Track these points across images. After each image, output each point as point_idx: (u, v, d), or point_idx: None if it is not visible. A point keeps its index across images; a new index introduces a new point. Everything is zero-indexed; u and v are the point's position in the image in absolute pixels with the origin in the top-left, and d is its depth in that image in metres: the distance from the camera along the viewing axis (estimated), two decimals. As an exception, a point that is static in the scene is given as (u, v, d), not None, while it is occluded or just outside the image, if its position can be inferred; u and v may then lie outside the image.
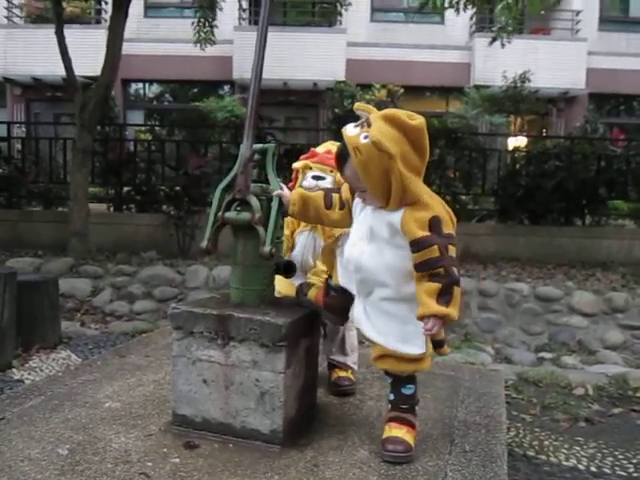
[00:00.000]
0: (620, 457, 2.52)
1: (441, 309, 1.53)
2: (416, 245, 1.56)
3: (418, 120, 1.59)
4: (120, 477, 1.53)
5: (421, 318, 1.56)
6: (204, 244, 1.80)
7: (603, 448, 2.61)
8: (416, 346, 1.66)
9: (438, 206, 1.61)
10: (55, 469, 1.57)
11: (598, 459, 2.51)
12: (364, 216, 1.70)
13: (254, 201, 1.74)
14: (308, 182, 2.03)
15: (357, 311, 1.73)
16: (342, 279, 1.76)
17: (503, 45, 7.55)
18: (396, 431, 1.70)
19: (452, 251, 1.57)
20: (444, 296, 1.54)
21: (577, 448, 2.61)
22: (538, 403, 3.17)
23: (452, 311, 1.55)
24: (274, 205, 1.75)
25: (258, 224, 1.72)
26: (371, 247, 1.65)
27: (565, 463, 2.46)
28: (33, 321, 3.64)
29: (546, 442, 2.66)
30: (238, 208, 1.77)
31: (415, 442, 1.71)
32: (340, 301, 1.79)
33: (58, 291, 4.02)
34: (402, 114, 1.57)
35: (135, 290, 5.52)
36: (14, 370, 3.25)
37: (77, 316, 5.04)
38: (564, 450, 2.58)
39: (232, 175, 1.79)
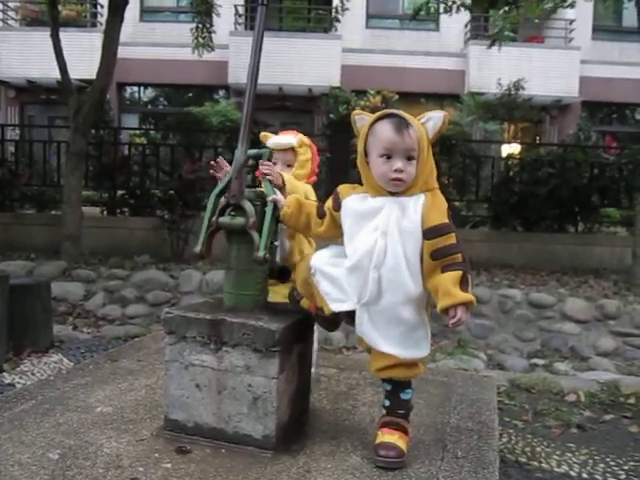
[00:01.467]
0: (612, 464, 2.53)
1: (467, 296, 1.54)
2: (436, 231, 1.58)
3: None
4: (111, 482, 1.52)
5: (446, 309, 1.55)
6: (198, 248, 1.79)
7: (595, 455, 2.62)
8: (424, 349, 1.68)
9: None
10: (46, 474, 1.55)
11: (590, 466, 2.52)
12: (373, 207, 1.65)
13: (248, 206, 1.74)
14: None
15: (360, 322, 1.67)
16: (333, 302, 1.68)
17: (500, 47, 7.59)
18: (389, 437, 1.70)
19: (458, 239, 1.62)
20: (466, 283, 1.56)
21: (569, 454, 2.62)
22: (530, 409, 3.18)
23: (473, 298, 1.56)
24: (268, 210, 1.75)
25: (252, 229, 1.72)
26: (393, 240, 1.61)
27: (557, 469, 2.47)
28: (25, 325, 3.62)
29: (538, 448, 2.67)
30: (232, 213, 1.77)
31: (408, 448, 1.71)
32: (333, 315, 1.75)
33: (50, 295, 4.01)
34: None
35: (128, 294, 5.50)
36: (5, 374, 3.23)
37: (69, 320, 5.01)
38: (556, 456, 2.59)
39: (226, 180, 1.79)
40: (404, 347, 1.65)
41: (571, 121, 13.45)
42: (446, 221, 1.60)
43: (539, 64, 13.05)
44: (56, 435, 1.79)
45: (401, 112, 1.67)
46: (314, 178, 2.27)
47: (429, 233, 1.58)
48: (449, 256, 1.56)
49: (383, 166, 1.63)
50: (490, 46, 7.92)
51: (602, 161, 7.53)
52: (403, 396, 1.73)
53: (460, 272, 1.55)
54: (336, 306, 1.68)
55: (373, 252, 1.61)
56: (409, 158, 1.62)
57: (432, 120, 1.66)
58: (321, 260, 1.70)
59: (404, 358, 1.65)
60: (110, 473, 1.57)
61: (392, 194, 1.65)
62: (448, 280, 1.55)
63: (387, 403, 1.75)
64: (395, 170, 1.61)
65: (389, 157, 1.62)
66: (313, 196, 2.12)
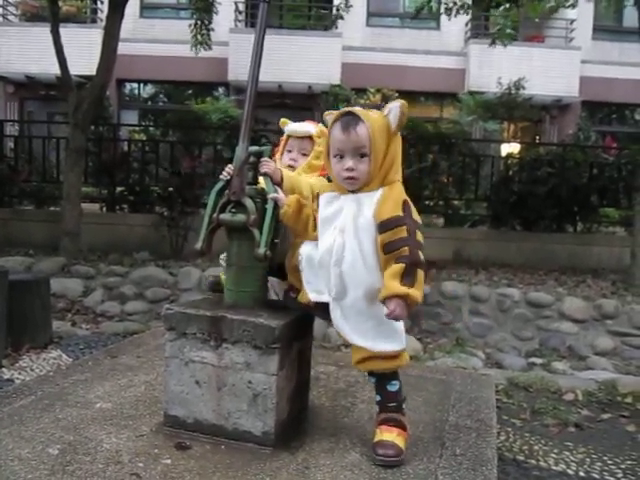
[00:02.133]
0: (609, 462, 2.55)
1: (402, 289, 1.53)
2: (387, 224, 1.60)
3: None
4: (111, 477, 1.53)
5: (383, 301, 1.56)
6: (199, 245, 1.80)
7: (592, 453, 2.64)
8: (397, 342, 1.67)
9: (407, 199, 1.67)
10: (45, 469, 1.56)
11: (587, 464, 2.53)
12: (337, 207, 1.71)
13: (249, 203, 1.75)
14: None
15: (334, 316, 1.71)
16: (312, 291, 1.73)
17: (505, 45, 7.59)
18: (387, 435, 1.70)
19: (419, 237, 1.60)
20: (407, 277, 1.55)
21: (566, 453, 2.63)
22: (528, 408, 3.19)
23: (415, 292, 1.54)
24: (269, 207, 1.75)
25: (253, 226, 1.72)
26: (350, 236, 1.65)
27: (554, 468, 2.48)
28: (24, 321, 3.62)
29: (536, 447, 2.67)
30: (233, 210, 1.77)
31: (406, 444, 1.72)
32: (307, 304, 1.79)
33: (50, 291, 4.01)
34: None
35: (127, 291, 5.50)
36: (4, 370, 3.24)
37: (68, 316, 5.01)
38: (553, 455, 2.60)
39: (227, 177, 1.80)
40: (375, 340, 1.66)
41: (571, 121, 13.46)
42: (398, 214, 1.61)
43: (539, 63, 13.05)
44: (56, 430, 1.79)
45: (356, 109, 1.67)
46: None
47: (381, 227, 1.61)
48: (397, 250, 1.57)
49: (337, 165, 1.70)
50: (491, 44, 7.92)
51: (601, 161, 7.54)
52: (390, 388, 1.73)
53: (402, 265, 1.55)
54: (314, 296, 1.73)
55: (332, 249, 1.66)
56: (361, 155, 1.66)
57: (392, 111, 1.66)
58: (309, 249, 1.74)
59: (377, 351, 1.66)
60: (110, 468, 1.58)
61: (352, 192, 1.70)
62: (388, 272, 1.57)
63: (378, 398, 1.76)
64: (346, 169, 1.66)
65: (342, 157, 1.68)
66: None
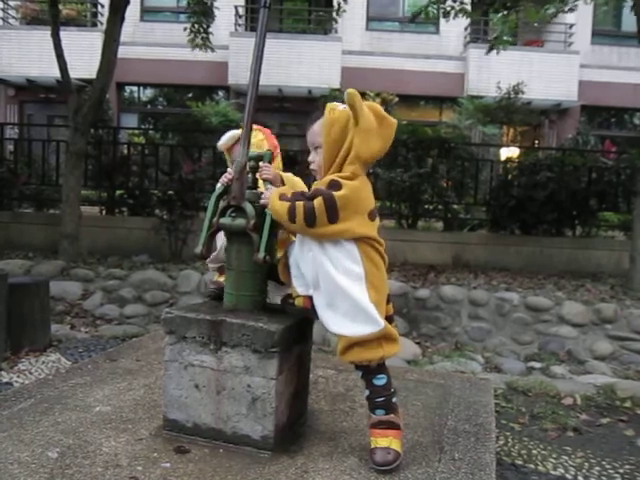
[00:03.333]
0: (607, 467, 2.54)
1: (274, 197, 1.69)
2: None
3: (394, 122, 1.73)
4: (110, 481, 1.53)
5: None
6: (199, 249, 1.80)
7: (591, 458, 2.63)
8: (371, 324, 1.65)
9: (352, 186, 1.66)
10: (45, 472, 1.56)
11: (585, 469, 2.52)
12: None
13: (249, 208, 1.75)
14: None
15: (317, 308, 1.74)
16: (299, 286, 1.78)
17: (499, 52, 7.62)
18: (381, 440, 1.69)
19: (318, 201, 1.62)
20: (284, 196, 1.68)
21: (565, 457, 2.63)
22: (527, 412, 3.19)
23: (277, 205, 1.66)
24: (268, 212, 1.76)
25: (253, 231, 1.73)
26: None
27: (553, 472, 2.48)
28: (23, 323, 3.63)
29: (534, 451, 2.67)
30: (233, 214, 1.78)
31: (402, 445, 1.70)
32: (301, 304, 1.81)
33: (49, 294, 4.01)
34: (383, 112, 1.72)
35: (126, 294, 5.50)
36: (3, 373, 3.23)
37: (67, 319, 5.01)
38: (552, 459, 2.60)
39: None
40: (351, 325, 1.66)
41: (570, 125, 13.49)
42: (318, 187, 1.68)
43: (538, 68, 13.09)
44: (55, 434, 1.80)
45: (327, 106, 1.75)
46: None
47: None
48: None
49: None
50: (488, 52, 7.95)
51: (600, 165, 7.55)
52: (376, 382, 1.72)
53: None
54: (301, 290, 1.77)
55: (303, 241, 1.74)
56: (315, 148, 1.77)
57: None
58: (295, 246, 1.80)
59: (353, 336, 1.66)
60: (109, 472, 1.58)
61: None
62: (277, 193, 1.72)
63: (367, 393, 1.75)
64: (308, 161, 1.80)
65: (310, 151, 1.80)
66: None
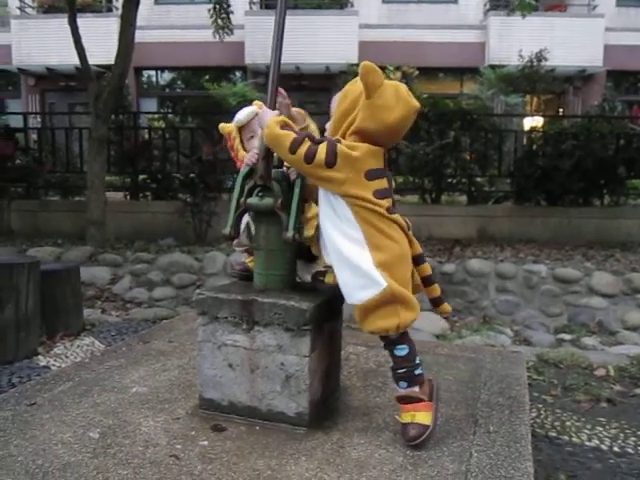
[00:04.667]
0: (643, 437, 2.52)
1: (277, 128, 1.67)
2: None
3: (414, 105, 1.70)
4: (151, 459, 1.57)
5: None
6: (227, 230, 1.81)
7: (626, 428, 2.61)
8: (372, 287, 1.62)
9: (355, 147, 1.65)
10: (88, 452, 1.60)
11: (621, 439, 2.51)
12: None
13: (276, 186, 1.75)
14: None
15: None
16: (326, 255, 1.78)
17: (524, 16, 7.41)
18: (405, 416, 1.69)
19: (322, 146, 1.62)
20: (286, 125, 1.70)
21: (599, 428, 2.61)
22: (559, 384, 3.17)
23: (275, 132, 1.66)
24: (296, 190, 1.75)
25: (280, 209, 1.73)
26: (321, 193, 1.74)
27: (587, 443, 2.46)
28: (56, 309, 3.71)
29: (568, 423, 2.66)
30: (260, 194, 1.78)
31: (432, 417, 1.67)
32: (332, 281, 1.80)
33: (80, 279, 4.08)
34: (405, 93, 1.70)
35: (154, 277, 5.58)
36: (40, 357, 3.32)
37: (98, 304, 5.11)
38: (586, 431, 2.58)
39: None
40: (354, 292, 1.65)
41: (596, 91, 13.13)
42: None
43: (561, 33, 12.72)
44: (95, 415, 1.84)
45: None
46: None
47: None
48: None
49: None
50: (509, 13, 7.72)
51: (628, 132, 7.34)
52: (397, 352, 1.70)
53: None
54: (328, 259, 1.76)
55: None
56: (330, 117, 1.79)
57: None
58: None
59: (360, 303, 1.64)
60: (149, 450, 1.62)
61: None
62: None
63: (392, 364, 1.74)
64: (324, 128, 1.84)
65: None
66: None
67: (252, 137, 2.11)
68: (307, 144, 1.62)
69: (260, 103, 2.12)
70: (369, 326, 1.67)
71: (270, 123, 1.68)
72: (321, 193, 1.71)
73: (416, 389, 1.69)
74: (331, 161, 1.61)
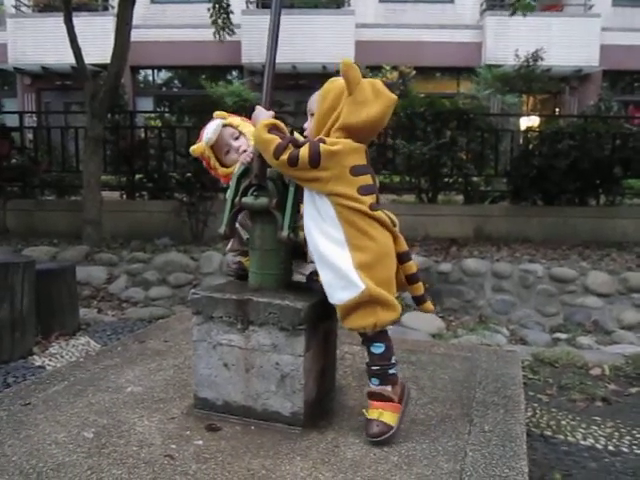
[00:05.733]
0: (638, 436, 2.52)
1: (261, 127, 1.68)
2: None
3: (392, 97, 1.72)
4: (145, 459, 1.56)
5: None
6: (222, 229, 1.81)
7: (621, 427, 2.61)
8: (351, 289, 1.63)
9: (336, 143, 1.66)
10: (82, 452, 1.60)
11: (616, 438, 2.51)
12: None
13: (271, 186, 1.75)
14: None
15: None
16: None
17: (525, 15, 7.42)
18: (372, 412, 1.70)
19: (303, 149, 1.62)
20: (274, 128, 1.69)
21: (594, 427, 2.61)
22: (554, 383, 3.17)
23: (268, 137, 1.65)
24: (291, 189, 1.75)
25: (275, 209, 1.73)
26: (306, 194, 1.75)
27: (583, 442, 2.47)
28: (52, 308, 3.69)
29: (563, 422, 2.66)
30: (255, 193, 1.77)
31: (398, 419, 1.69)
32: None
33: (75, 279, 4.07)
34: (382, 87, 1.72)
35: (150, 277, 5.57)
36: (35, 357, 3.31)
37: (94, 303, 5.10)
38: (581, 430, 2.59)
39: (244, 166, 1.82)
40: (333, 292, 1.67)
41: (592, 91, 13.16)
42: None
43: (558, 33, 12.76)
44: (89, 415, 1.84)
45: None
46: None
47: None
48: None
49: None
50: (512, 14, 7.74)
51: (624, 131, 7.36)
52: (373, 350, 1.72)
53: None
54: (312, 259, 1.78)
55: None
56: (311, 115, 1.78)
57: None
58: None
59: (336, 302, 1.67)
60: (144, 450, 1.61)
61: None
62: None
63: (367, 360, 1.76)
64: (303, 128, 1.82)
65: None
66: None
67: (228, 151, 2.08)
68: (289, 149, 1.63)
69: (223, 114, 2.12)
70: (348, 323, 1.70)
71: (259, 126, 1.70)
72: (306, 194, 1.72)
73: (388, 388, 1.72)
74: (315, 161, 1.62)
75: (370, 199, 1.68)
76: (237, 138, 2.09)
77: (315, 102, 1.75)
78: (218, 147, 2.08)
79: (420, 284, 1.80)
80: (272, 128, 1.69)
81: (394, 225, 1.73)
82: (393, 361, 1.74)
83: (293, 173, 1.67)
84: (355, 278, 1.62)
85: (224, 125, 2.08)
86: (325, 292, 1.71)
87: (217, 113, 2.13)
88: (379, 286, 1.64)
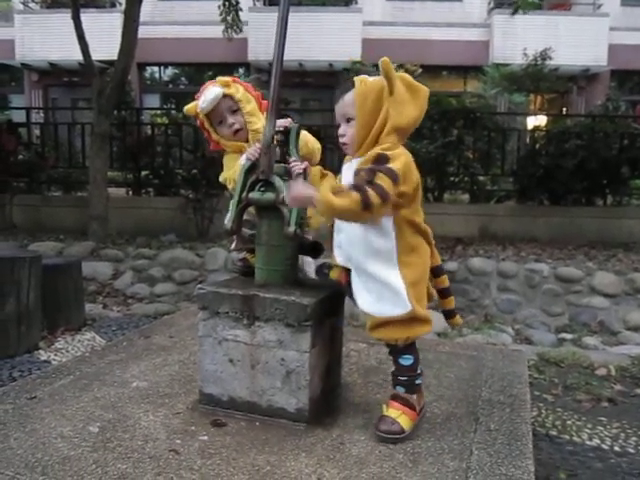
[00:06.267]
0: (644, 437, 2.51)
1: (329, 197, 1.48)
2: (356, 173, 1.60)
3: (426, 90, 1.70)
4: (150, 454, 1.56)
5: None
6: (229, 225, 1.80)
7: (627, 428, 2.60)
8: (400, 306, 1.61)
9: (400, 155, 1.61)
10: (87, 446, 1.60)
11: (622, 439, 2.49)
12: (345, 175, 1.73)
13: (278, 181, 1.74)
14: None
15: (352, 285, 1.72)
16: (339, 255, 1.76)
17: (526, 12, 7.39)
18: (392, 411, 1.70)
19: (381, 178, 1.52)
20: (340, 193, 1.51)
21: (600, 428, 2.60)
22: (560, 383, 3.16)
23: (333, 200, 1.48)
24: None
25: (282, 204, 1.72)
26: None
27: (588, 443, 2.45)
28: (58, 303, 3.71)
29: (569, 422, 2.65)
30: (262, 189, 1.77)
31: (412, 427, 1.70)
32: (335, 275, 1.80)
33: (81, 274, 4.08)
34: (414, 81, 1.69)
35: (155, 273, 5.58)
36: (41, 351, 3.32)
37: (99, 299, 5.12)
38: (587, 430, 2.57)
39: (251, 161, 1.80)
40: (379, 305, 1.64)
41: (600, 91, 13.09)
42: (366, 166, 1.58)
43: (566, 32, 12.70)
44: (95, 409, 1.84)
45: (356, 78, 1.69)
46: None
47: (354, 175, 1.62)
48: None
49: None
50: (514, 12, 7.71)
51: (632, 131, 7.31)
52: (402, 362, 1.72)
53: (344, 186, 1.57)
54: (340, 259, 1.75)
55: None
56: (347, 120, 1.69)
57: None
58: None
59: (379, 316, 1.64)
60: (149, 445, 1.61)
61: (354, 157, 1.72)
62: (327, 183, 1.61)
63: (393, 369, 1.75)
64: (339, 135, 1.73)
65: (340, 124, 1.73)
66: None
67: (221, 122, 2.01)
68: (372, 191, 1.48)
69: (225, 80, 2.02)
70: (379, 334, 1.68)
71: (324, 199, 1.50)
72: None
73: (414, 397, 1.73)
74: (396, 179, 1.53)
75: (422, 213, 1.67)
76: (235, 112, 2.01)
77: (352, 106, 1.66)
78: (212, 114, 2.02)
79: (452, 298, 1.80)
80: (337, 190, 1.52)
81: (432, 238, 1.72)
82: (419, 371, 1.75)
83: (388, 206, 1.54)
84: (405, 297, 1.61)
85: (224, 95, 1.99)
86: (364, 300, 1.67)
87: (219, 79, 2.04)
88: (418, 302, 1.63)
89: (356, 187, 1.51)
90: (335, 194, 1.50)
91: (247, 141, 2.04)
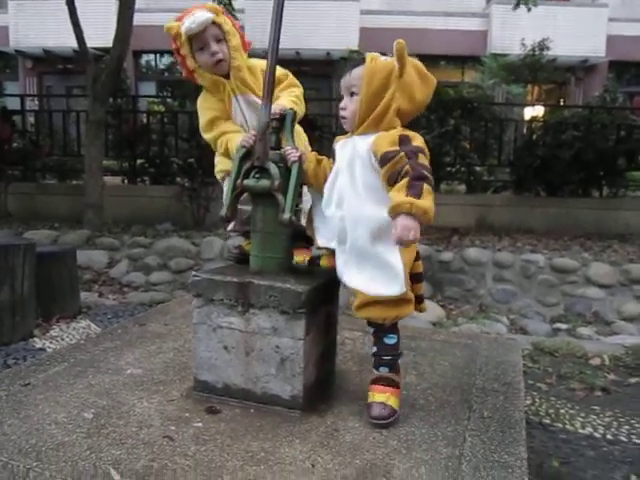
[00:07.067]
0: (636, 425, 2.53)
1: (407, 199, 1.44)
2: (385, 159, 1.56)
3: (434, 80, 1.69)
4: (145, 440, 1.56)
5: (392, 218, 1.47)
6: (224, 212, 1.79)
7: (619, 417, 2.62)
8: (396, 286, 1.61)
9: (416, 135, 1.62)
10: (82, 432, 1.60)
11: (614, 427, 2.52)
12: (342, 152, 1.72)
13: (273, 168, 1.73)
14: None
15: (338, 264, 1.72)
16: (322, 237, 1.77)
17: (529, 9, 7.37)
18: (379, 396, 1.70)
19: (422, 159, 1.53)
20: (412, 189, 1.46)
21: (593, 417, 2.62)
22: (554, 372, 3.18)
23: (423, 202, 1.43)
24: (293, 172, 1.73)
25: (277, 191, 1.71)
26: (345, 177, 1.68)
27: (581, 431, 2.48)
28: (52, 291, 3.70)
29: (562, 410, 2.67)
30: (257, 175, 1.76)
31: (400, 404, 1.72)
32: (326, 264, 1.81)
33: (76, 262, 4.07)
34: (424, 69, 1.68)
35: (151, 261, 5.57)
36: (36, 339, 3.32)
37: (95, 287, 5.11)
38: (580, 418, 2.60)
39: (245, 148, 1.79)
40: (373, 283, 1.63)
41: (597, 82, 13.07)
42: (395, 148, 1.56)
43: (564, 23, 12.66)
44: (89, 396, 1.84)
45: (369, 54, 1.69)
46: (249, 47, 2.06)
47: (381, 162, 1.58)
48: (400, 174, 1.51)
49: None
50: (515, 7, 7.68)
51: (629, 123, 7.32)
52: (387, 341, 1.72)
53: (405, 179, 1.48)
54: (322, 242, 1.76)
55: (333, 191, 1.70)
56: (351, 94, 1.68)
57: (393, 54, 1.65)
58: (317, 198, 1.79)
59: (373, 295, 1.63)
60: (143, 432, 1.61)
61: (353, 134, 1.71)
62: (393, 190, 1.51)
63: (374, 349, 1.75)
64: (340, 108, 1.72)
65: (343, 98, 1.72)
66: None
67: (202, 49, 1.90)
68: (429, 176, 1.48)
69: (216, 9, 1.94)
70: (367, 313, 1.67)
71: (421, 211, 1.44)
72: (371, 186, 1.63)
73: (394, 374, 1.74)
74: (427, 157, 1.57)
75: None
76: (219, 41, 1.91)
77: (358, 80, 1.65)
78: (196, 41, 1.89)
79: (422, 284, 1.80)
80: (411, 193, 1.46)
81: None
82: (401, 351, 1.77)
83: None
84: (402, 278, 1.60)
85: (213, 22, 1.89)
86: (357, 279, 1.66)
87: (208, 5, 1.94)
88: (406, 283, 1.63)
89: (418, 177, 1.47)
90: (407, 192, 1.45)
91: (227, 77, 1.94)
